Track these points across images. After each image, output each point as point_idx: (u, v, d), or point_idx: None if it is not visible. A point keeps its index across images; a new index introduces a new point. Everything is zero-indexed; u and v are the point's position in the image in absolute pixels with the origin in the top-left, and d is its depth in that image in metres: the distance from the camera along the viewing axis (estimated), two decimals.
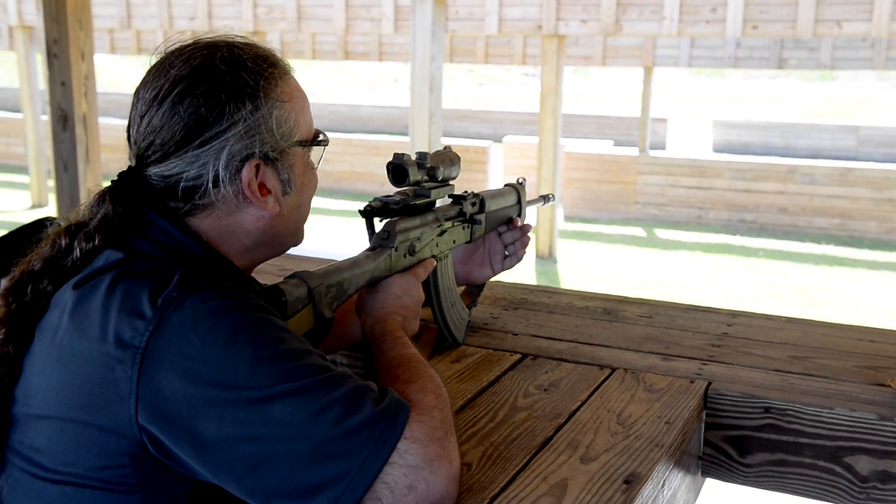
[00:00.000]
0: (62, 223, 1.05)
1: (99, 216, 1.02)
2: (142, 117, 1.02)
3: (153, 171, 1.03)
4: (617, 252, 10.48)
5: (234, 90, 1.02)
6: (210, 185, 1.02)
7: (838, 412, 1.28)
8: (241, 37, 1.08)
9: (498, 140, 15.33)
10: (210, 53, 1.03)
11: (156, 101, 1.01)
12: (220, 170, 1.02)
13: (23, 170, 14.37)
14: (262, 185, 1.05)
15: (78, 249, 1.01)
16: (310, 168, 1.14)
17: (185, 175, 1.02)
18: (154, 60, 1.06)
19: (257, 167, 1.04)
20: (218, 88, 1.01)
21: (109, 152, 4.54)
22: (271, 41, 12.16)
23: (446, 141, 12.78)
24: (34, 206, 12.49)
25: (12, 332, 0.99)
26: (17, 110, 16.79)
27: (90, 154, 5.02)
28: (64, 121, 4.94)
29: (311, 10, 10.01)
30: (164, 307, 0.91)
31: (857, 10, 7.95)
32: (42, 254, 1.02)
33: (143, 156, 1.03)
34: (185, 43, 1.06)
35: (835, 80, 39.32)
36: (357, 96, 30.48)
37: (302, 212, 1.14)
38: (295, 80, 1.10)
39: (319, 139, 1.13)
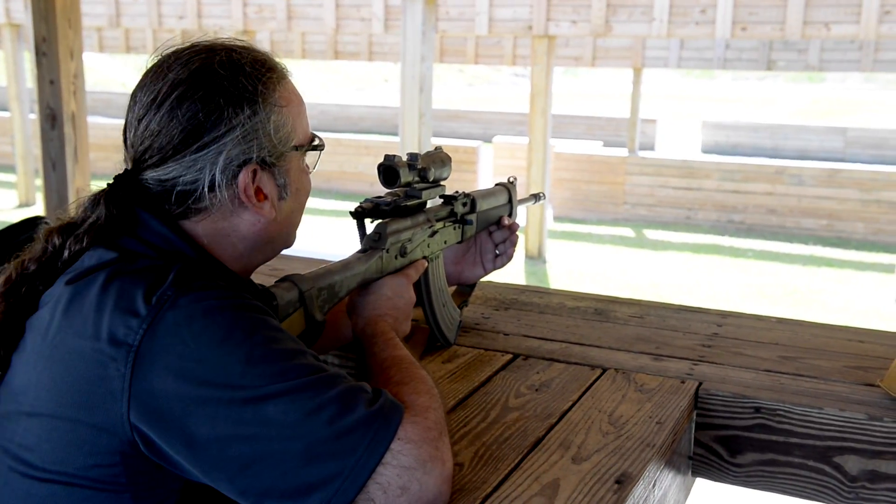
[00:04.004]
0: (53, 223, 1.05)
1: (92, 218, 1.01)
2: (139, 121, 1.02)
3: (150, 174, 1.02)
4: (606, 252, 10.50)
5: (233, 95, 1.01)
6: (206, 189, 1.01)
7: (828, 412, 1.29)
8: (240, 40, 1.08)
9: (488, 140, 15.33)
10: (208, 57, 1.02)
11: (154, 104, 1.00)
12: (217, 174, 1.01)
13: (10, 168, 14.29)
14: (258, 191, 1.05)
15: (68, 250, 1.01)
16: (304, 172, 1.13)
17: (181, 179, 1.01)
18: (151, 63, 1.05)
19: (254, 172, 1.03)
20: (216, 93, 1.00)
21: (98, 151, 4.52)
22: (261, 40, 12.13)
23: (436, 141, 12.77)
24: (21, 205, 12.42)
25: (3, 332, 0.99)
26: (5, 109, 16.70)
27: (79, 153, 4.99)
28: (52, 119, 4.92)
29: (300, 9, 9.99)
30: (158, 305, 0.91)
31: (846, 13, 8.00)
32: (35, 254, 1.02)
33: (139, 159, 1.03)
34: (183, 46, 1.05)
35: (823, 81, 39.53)
36: (347, 96, 30.42)
37: (295, 217, 1.13)
38: (292, 84, 1.10)
39: (315, 143, 1.13)
